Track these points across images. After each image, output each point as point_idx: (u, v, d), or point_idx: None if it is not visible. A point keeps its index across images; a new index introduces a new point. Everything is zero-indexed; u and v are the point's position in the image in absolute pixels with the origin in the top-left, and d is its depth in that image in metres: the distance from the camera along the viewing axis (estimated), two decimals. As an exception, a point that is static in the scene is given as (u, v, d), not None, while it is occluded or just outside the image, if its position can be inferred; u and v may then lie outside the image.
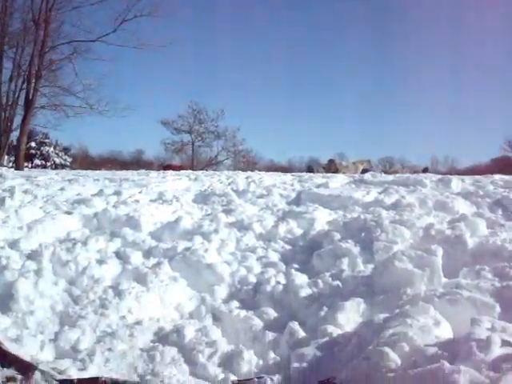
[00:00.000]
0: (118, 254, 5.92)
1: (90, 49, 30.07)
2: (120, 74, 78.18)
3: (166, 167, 32.57)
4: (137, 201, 8.36)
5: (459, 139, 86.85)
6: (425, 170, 32.27)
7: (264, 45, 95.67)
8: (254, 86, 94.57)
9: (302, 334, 4.26)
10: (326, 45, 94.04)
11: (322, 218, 7.15)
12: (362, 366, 3.30)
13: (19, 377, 3.54)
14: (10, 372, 3.58)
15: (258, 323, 4.56)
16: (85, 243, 6.02)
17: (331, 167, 30.73)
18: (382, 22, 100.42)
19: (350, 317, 4.32)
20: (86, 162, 45.76)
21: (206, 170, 31.01)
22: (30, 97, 25.93)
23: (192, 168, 35.20)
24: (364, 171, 26.15)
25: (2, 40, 29.19)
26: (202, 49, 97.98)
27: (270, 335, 4.38)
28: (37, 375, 3.57)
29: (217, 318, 4.80)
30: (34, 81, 26.09)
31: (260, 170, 23.10)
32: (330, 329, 4.15)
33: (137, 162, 48.57)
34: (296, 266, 5.65)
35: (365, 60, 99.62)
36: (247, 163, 42.96)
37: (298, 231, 6.80)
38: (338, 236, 6.07)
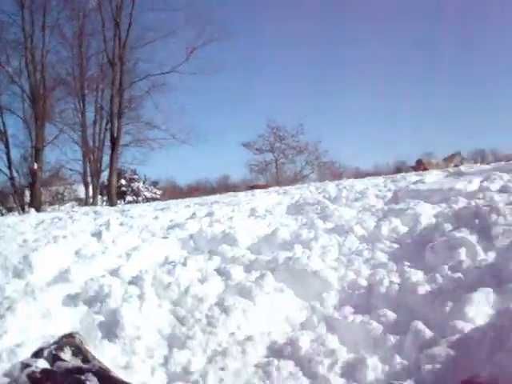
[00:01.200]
0: (219, 271, 5.72)
1: (165, 81, 30.90)
2: (196, 101, 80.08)
3: (253, 188, 32.65)
4: (230, 218, 8.23)
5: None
6: (521, 158, 30.60)
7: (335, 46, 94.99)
8: (330, 93, 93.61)
9: (428, 333, 3.85)
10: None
11: (427, 212, 6.68)
12: (507, 361, 2.91)
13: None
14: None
15: (376, 327, 4.19)
16: (184, 264, 5.88)
17: (420, 168, 29.74)
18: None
19: (479, 309, 3.88)
20: (174, 193, 46.72)
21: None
22: (115, 135, 26.80)
23: (278, 185, 35.07)
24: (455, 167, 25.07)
25: (81, 85, 30.56)
26: (269, 64, 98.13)
27: (392, 338, 4.00)
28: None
29: (331, 326, 4.46)
30: (116, 120, 26.98)
31: (347, 179, 22.61)
32: (460, 324, 3.74)
33: (224, 187, 49.04)
34: (407, 263, 5.20)
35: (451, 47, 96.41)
36: (332, 174, 42.30)
37: (403, 229, 6.36)
38: (449, 227, 5.61)
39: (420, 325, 3.93)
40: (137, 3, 28.83)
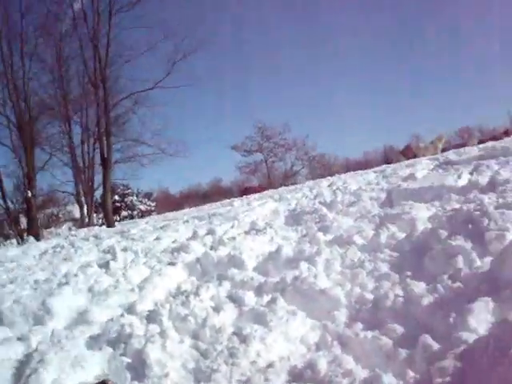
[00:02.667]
0: (231, 298, 5.98)
1: (149, 97, 31.16)
2: (182, 113, 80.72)
3: (245, 190, 32.96)
4: (233, 238, 8.49)
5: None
6: (506, 133, 30.97)
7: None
8: (314, 88, 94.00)
9: (436, 346, 4.13)
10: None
11: (422, 216, 7.01)
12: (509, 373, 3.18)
13: None
14: None
15: (387, 342, 4.46)
16: (197, 293, 6.11)
17: (409, 154, 30.09)
18: None
19: (481, 318, 4.17)
20: (168, 202, 46.83)
21: (286, 185, 31.04)
22: (105, 155, 26.96)
23: (270, 185, 35.35)
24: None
25: (66, 108, 30.68)
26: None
27: (404, 353, 4.27)
28: None
29: (344, 344, 4.72)
30: (105, 140, 27.15)
31: (338, 172, 22.96)
32: (464, 335, 4.01)
33: (216, 191, 49.33)
34: (409, 273, 5.48)
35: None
36: (323, 168, 42.54)
37: (401, 235, 6.65)
38: (444, 233, 5.89)
39: (427, 338, 4.20)
40: (113, 23, 28.86)
